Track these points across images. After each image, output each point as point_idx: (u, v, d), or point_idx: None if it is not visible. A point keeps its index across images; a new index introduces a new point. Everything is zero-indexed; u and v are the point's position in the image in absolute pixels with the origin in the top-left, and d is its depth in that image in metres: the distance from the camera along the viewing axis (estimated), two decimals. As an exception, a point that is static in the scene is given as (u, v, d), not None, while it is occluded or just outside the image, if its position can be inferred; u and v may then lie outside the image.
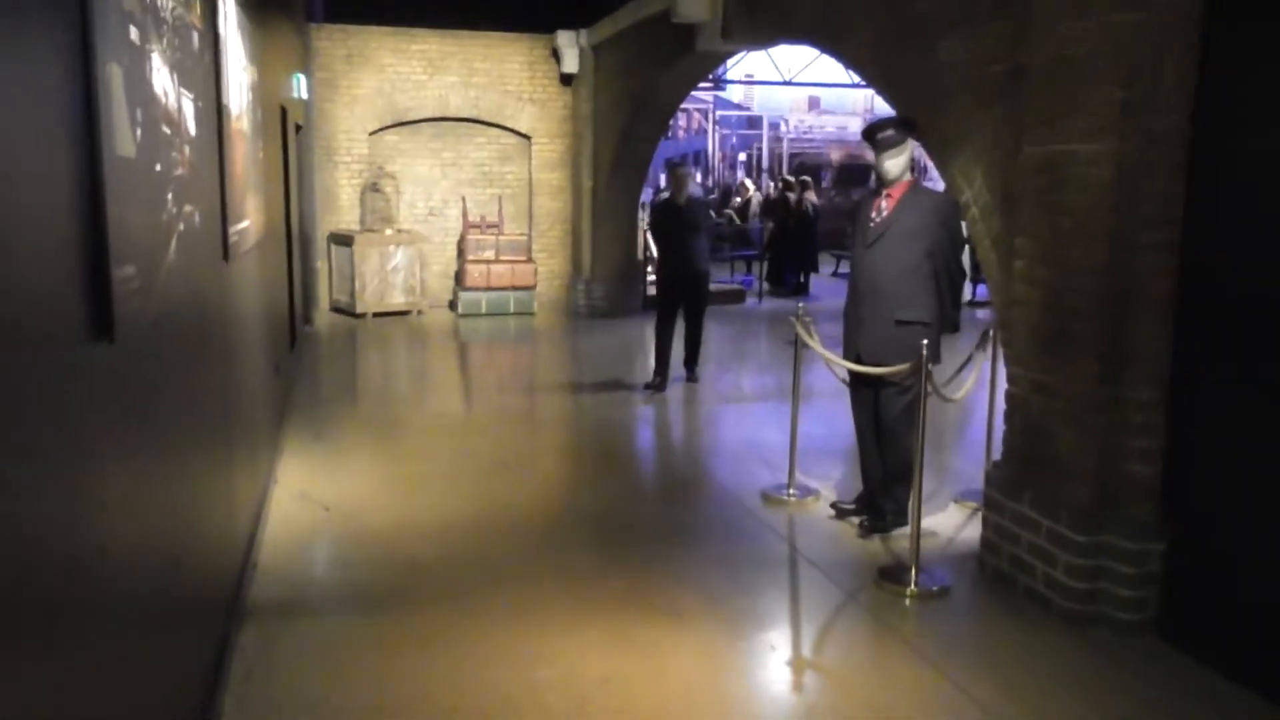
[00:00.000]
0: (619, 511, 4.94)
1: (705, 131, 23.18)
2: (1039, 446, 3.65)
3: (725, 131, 24.27)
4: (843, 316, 4.58)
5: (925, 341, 3.94)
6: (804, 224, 14.75)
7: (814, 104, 25.01)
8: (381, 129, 11.82)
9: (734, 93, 23.63)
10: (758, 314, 12.46)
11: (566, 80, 12.16)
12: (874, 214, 4.31)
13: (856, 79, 24.21)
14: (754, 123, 24.67)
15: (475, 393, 8.33)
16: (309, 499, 4.94)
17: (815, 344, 4.80)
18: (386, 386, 8.58)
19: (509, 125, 12.29)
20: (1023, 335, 3.71)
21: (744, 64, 24.35)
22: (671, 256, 7.62)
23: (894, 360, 4.16)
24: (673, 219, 7.58)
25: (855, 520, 4.58)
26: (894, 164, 4.18)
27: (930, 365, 3.94)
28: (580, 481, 5.73)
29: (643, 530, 4.65)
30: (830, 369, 5.03)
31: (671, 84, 9.62)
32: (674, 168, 8.60)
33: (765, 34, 6.64)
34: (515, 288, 11.67)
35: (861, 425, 4.56)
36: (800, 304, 5.34)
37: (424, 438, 6.34)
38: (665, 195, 9.41)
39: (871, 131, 4.20)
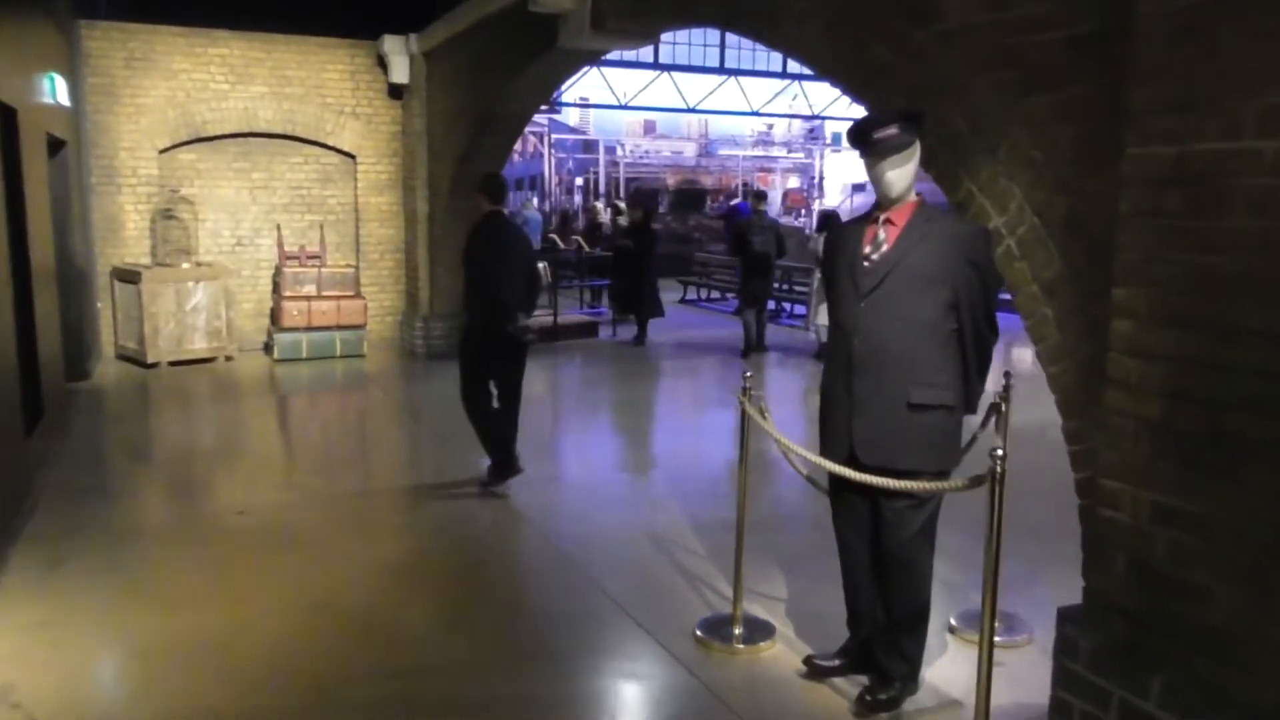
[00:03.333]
0: (485, 684, 3.46)
1: (541, 155, 22.17)
2: (1172, 606, 2.44)
3: (561, 155, 23.35)
4: (821, 395, 3.27)
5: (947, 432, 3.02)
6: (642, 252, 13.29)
7: (650, 128, 24.45)
8: (175, 146, 10.09)
9: (569, 115, 22.78)
10: (622, 352, 11.40)
11: (396, 92, 10.78)
12: (867, 248, 3.08)
13: (692, 103, 23.99)
14: (590, 146, 23.86)
15: (289, 474, 6.39)
16: (13, 704, 3.24)
17: (773, 430, 3.52)
18: (172, 468, 6.52)
19: (330, 143, 10.79)
20: (1132, 435, 2.50)
21: (579, 86, 23.55)
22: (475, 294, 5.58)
23: (906, 460, 3.00)
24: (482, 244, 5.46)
25: (840, 680, 3.35)
26: (898, 175, 2.98)
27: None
28: (428, 631, 3.91)
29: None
30: (794, 468, 3.69)
31: (523, 92, 8.43)
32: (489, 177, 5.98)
33: (652, 21, 5.54)
34: (342, 327, 10.19)
35: (850, 549, 3.29)
36: (746, 373, 3.85)
37: (211, 560, 4.62)
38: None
39: (864, 131, 3.00)
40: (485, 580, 4.54)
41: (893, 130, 2.97)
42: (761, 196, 13.27)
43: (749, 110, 24.90)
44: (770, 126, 25.34)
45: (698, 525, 5.10)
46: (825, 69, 4.02)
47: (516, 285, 5.39)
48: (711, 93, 24.21)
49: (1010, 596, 3.68)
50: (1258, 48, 2.17)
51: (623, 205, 16.88)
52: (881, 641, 3.25)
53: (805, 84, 25.24)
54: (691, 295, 17.56)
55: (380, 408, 8.57)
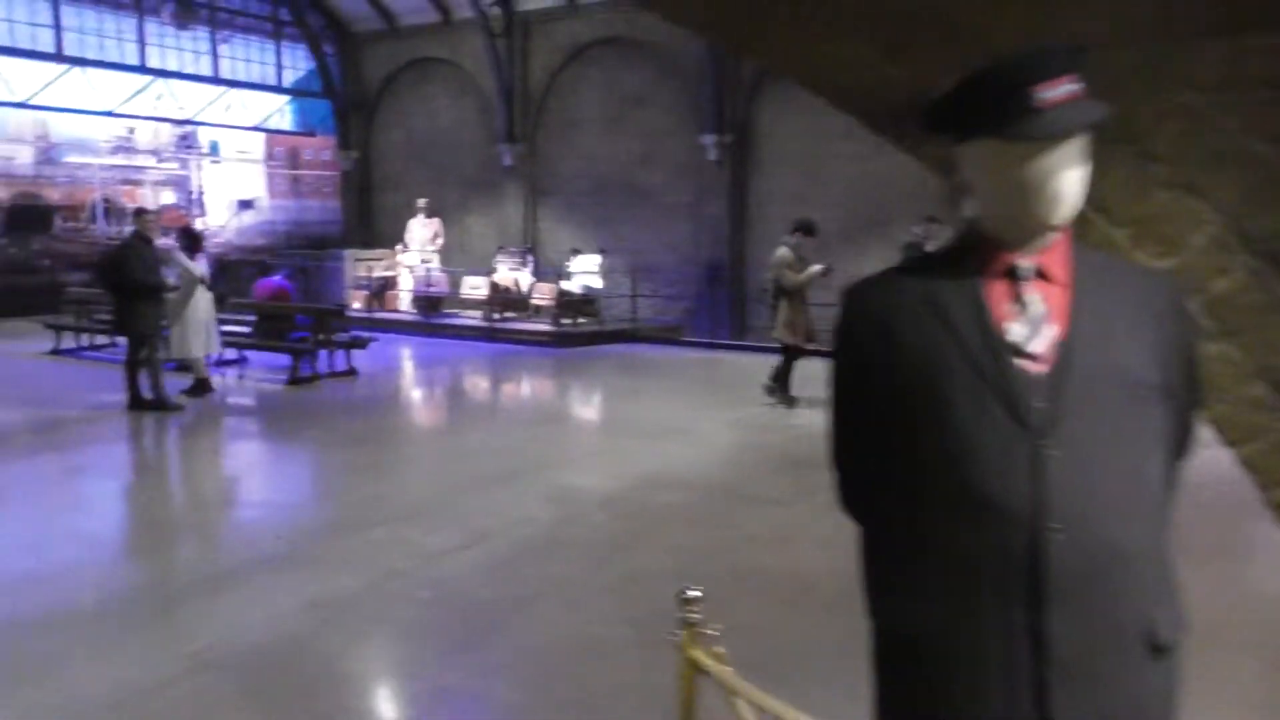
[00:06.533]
0: None
1: None
2: None
3: None
4: (909, 639, 1.53)
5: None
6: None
7: (-38, 125, 18.94)
8: None
9: None
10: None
11: None
12: (1014, 328, 1.49)
13: (23, 97, 19.01)
14: None
15: None
16: None
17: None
18: None
19: None
20: None
21: None
22: None
23: None
24: None
25: None
26: (1077, 178, 1.46)
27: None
28: None
29: None
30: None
31: None
32: None
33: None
34: None
35: None
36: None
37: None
38: None
39: (1015, 85, 1.40)
40: None
41: (1072, 86, 1.41)
42: (142, 215, 10.41)
43: (102, 110, 20.61)
44: (132, 130, 21.28)
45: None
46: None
47: None
48: (50, 84, 19.50)
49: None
50: None
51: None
52: None
53: (172, 82, 21.66)
54: (68, 343, 13.67)
55: None
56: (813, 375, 10.09)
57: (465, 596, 5.06)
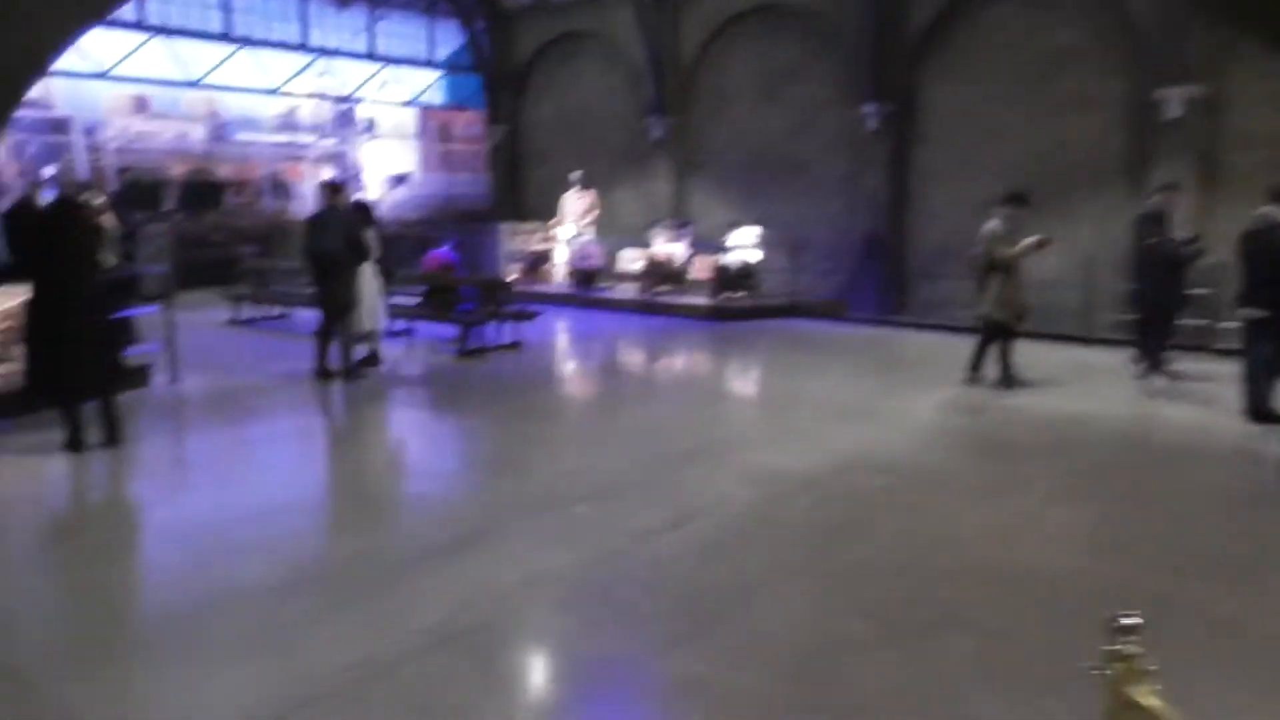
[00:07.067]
0: None
1: (-9, 135, 16.69)
2: None
3: (21, 137, 17.96)
4: None
5: None
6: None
7: (142, 105, 19.80)
8: None
9: (26, 85, 17.43)
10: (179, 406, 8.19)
11: None
12: None
13: (194, 76, 19.81)
14: (60, 126, 18.70)
15: None
16: None
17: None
18: None
19: None
20: None
21: (38, 46, 18.22)
22: None
23: None
24: None
25: None
26: None
27: None
28: None
29: None
30: None
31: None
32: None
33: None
34: None
35: None
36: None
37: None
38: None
39: None
40: None
41: None
42: (335, 188, 10.57)
43: (268, 88, 21.31)
44: (296, 108, 21.93)
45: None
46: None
47: None
48: (219, 65, 20.25)
49: None
50: None
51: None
52: None
53: (333, 60, 22.23)
54: (246, 313, 14.18)
55: None
56: (1030, 359, 9.56)
57: (686, 580, 4.86)
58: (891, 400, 8.96)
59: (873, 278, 17.57)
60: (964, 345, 9.77)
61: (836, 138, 18.29)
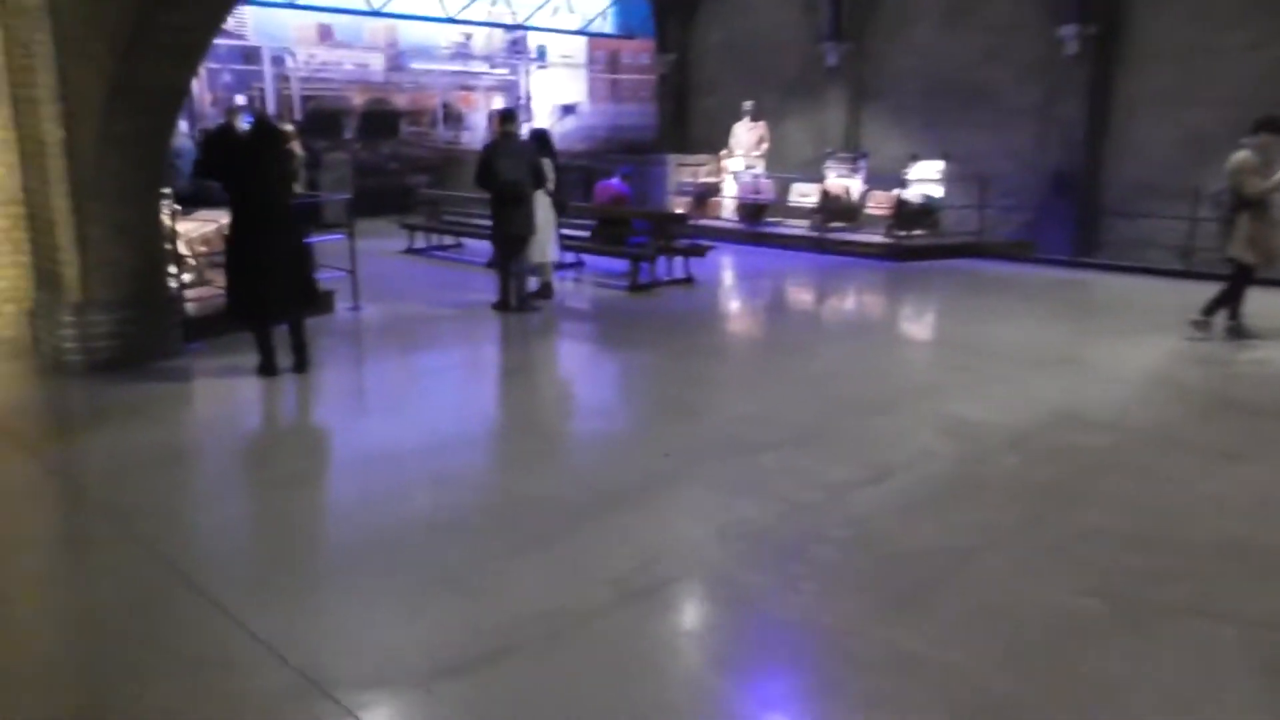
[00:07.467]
0: None
1: (189, 65, 17.43)
2: None
3: (214, 66, 18.72)
4: None
5: None
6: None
7: (326, 34, 20.26)
8: None
9: (219, 16, 18.08)
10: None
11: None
12: None
13: (375, 5, 20.09)
14: (251, 55, 19.38)
15: None
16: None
17: None
18: None
19: None
20: None
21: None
22: None
23: None
24: None
25: None
26: None
27: None
28: None
29: None
30: None
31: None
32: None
33: None
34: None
35: None
36: None
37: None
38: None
39: None
40: None
41: None
42: (510, 117, 10.39)
43: (443, 17, 21.43)
44: (469, 36, 22.00)
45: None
46: None
47: None
48: (398, -6, 20.43)
49: None
50: None
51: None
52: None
53: (505, -12, 22.11)
54: (419, 243, 14.40)
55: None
56: (1261, 307, 8.63)
57: (890, 541, 4.50)
58: (1096, 349, 8.22)
59: (1063, 216, 16.35)
60: (1167, 289, 8.94)
61: (1029, 63, 16.95)
